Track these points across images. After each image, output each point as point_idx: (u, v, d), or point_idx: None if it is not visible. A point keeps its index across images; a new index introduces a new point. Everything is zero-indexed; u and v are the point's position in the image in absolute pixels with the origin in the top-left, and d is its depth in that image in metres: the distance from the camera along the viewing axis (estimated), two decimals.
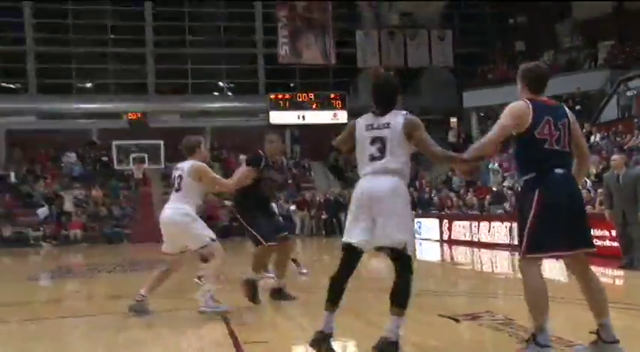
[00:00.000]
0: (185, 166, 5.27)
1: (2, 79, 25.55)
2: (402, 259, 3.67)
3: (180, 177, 5.32)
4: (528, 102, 3.48)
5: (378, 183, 3.65)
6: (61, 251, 17.66)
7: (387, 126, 3.71)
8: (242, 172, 5.75)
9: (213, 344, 4.49)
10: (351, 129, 3.81)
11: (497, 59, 24.74)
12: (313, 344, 3.68)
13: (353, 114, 24.29)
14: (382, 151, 3.66)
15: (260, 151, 5.72)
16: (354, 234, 3.66)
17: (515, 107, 3.53)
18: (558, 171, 3.35)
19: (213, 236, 5.34)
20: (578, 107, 18.47)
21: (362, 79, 26.25)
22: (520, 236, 3.41)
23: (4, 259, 15.94)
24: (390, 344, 3.59)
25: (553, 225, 3.34)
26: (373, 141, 3.73)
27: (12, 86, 25.90)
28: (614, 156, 8.70)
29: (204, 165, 5.54)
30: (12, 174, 22.54)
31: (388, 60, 25.41)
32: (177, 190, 5.28)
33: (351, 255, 3.71)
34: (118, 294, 7.29)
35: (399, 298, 3.67)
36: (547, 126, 3.45)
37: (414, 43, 25.62)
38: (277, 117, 25.21)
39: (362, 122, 3.80)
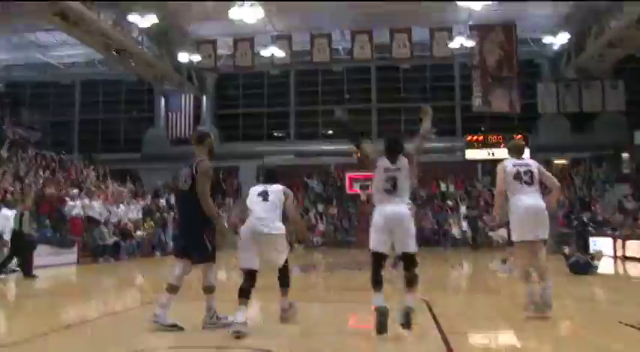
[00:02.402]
0: None
1: (274, 130, 33.74)
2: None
3: None
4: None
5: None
6: (307, 252, 20.47)
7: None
8: None
9: None
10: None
11: None
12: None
13: (534, 151, 28.92)
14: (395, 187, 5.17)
15: None
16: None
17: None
18: None
19: None
20: None
21: (541, 122, 29.65)
22: None
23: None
24: (411, 310, 4.90)
25: None
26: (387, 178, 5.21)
27: (280, 135, 33.74)
28: None
29: None
30: None
31: (565, 106, 28.51)
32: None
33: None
34: (347, 286, 8.73)
35: (415, 282, 5.09)
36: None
37: (589, 91, 28.04)
38: (471, 154, 29.07)
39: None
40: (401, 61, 29.77)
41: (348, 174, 28.25)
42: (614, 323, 5.81)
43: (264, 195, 5.64)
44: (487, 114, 29.72)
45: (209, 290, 5.59)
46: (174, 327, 5.41)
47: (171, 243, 20.64)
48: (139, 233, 19.80)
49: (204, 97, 32.87)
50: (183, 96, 31.58)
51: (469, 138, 29.32)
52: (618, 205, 22.41)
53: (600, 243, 17.61)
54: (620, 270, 14.15)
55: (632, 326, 5.48)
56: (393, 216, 5.02)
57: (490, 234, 21.03)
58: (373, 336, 5.09)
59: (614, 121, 28.46)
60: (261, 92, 33.80)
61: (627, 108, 28.11)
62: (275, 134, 33.74)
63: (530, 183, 5.96)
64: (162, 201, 25.51)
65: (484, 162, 28.98)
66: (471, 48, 28.13)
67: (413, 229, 5.10)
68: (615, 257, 17.07)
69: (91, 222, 18.00)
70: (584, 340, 5.08)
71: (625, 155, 28.09)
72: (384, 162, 5.22)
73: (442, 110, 31.79)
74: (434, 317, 6.10)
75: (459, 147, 29.65)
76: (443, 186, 29.91)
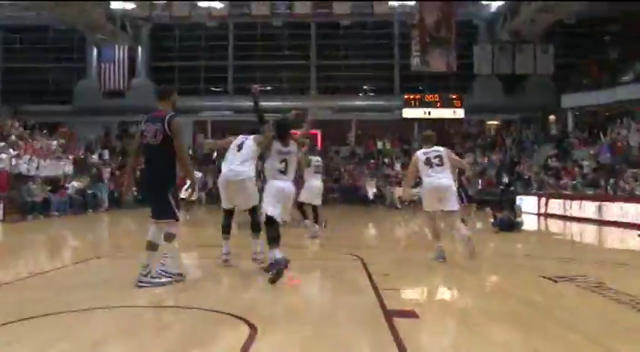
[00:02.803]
0: None
1: (211, 84, 32.87)
2: None
3: None
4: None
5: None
6: None
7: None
8: None
9: None
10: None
11: (591, 68, 26.86)
12: None
13: (469, 111, 29.98)
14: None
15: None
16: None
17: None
18: None
19: None
20: None
21: (476, 83, 30.25)
22: None
23: None
24: (278, 263, 5.74)
25: None
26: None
27: (217, 89, 32.93)
28: None
29: None
30: (215, 153, 30.43)
31: (499, 68, 29.24)
32: None
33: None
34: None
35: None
36: None
37: (521, 54, 28.78)
38: (408, 113, 29.76)
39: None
40: (341, 17, 29.47)
41: None
42: (535, 277, 6.21)
43: (240, 146, 6.56)
44: (425, 74, 30.20)
45: (152, 247, 5.56)
46: (179, 276, 5.70)
47: (106, 200, 20.23)
48: (74, 184, 18.98)
49: (140, 48, 31.47)
50: (116, 47, 30.11)
51: (407, 97, 30.02)
52: (544, 165, 23.28)
53: (526, 202, 18.51)
54: (543, 227, 14.95)
55: (550, 279, 5.94)
56: (283, 189, 6.18)
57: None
58: (306, 290, 5.53)
59: (543, 85, 29.47)
60: (199, 45, 32.84)
61: (555, 73, 29.11)
62: (213, 89, 33.00)
63: (440, 165, 7.26)
64: (95, 156, 24.65)
65: (420, 120, 29.91)
66: (411, 7, 28.28)
67: (292, 201, 6.53)
68: (539, 214, 17.94)
69: (18, 177, 17.17)
70: (507, 293, 5.40)
71: (552, 117, 29.31)
72: (277, 146, 6.23)
73: (381, 68, 32.32)
74: (368, 275, 6.24)
75: (396, 106, 30.27)
76: (380, 144, 30.32)
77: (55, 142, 22.08)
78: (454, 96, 29.78)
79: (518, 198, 19.22)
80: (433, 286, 6.09)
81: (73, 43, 31.99)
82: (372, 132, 30.90)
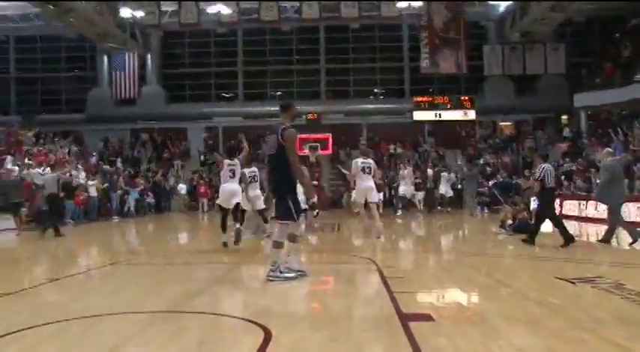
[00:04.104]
0: None
1: (221, 90, 32.90)
2: None
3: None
4: None
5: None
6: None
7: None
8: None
9: None
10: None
11: (603, 66, 26.51)
12: None
13: (480, 112, 29.72)
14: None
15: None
16: None
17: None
18: None
19: None
20: None
21: (487, 84, 30.00)
22: None
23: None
24: (241, 231, 9.10)
25: None
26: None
27: (228, 95, 32.93)
28: None
29: None
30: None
31: (510, 68, 29.24)
32: None
33: None
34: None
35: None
36: None
37: (532, 54, 28.85)
38: (419, 115, 29.28)
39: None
40: (349, 20, 29.45)
41: (297, 136, 27.77)
42: (552, 278, 6.17)
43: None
44: (435, 76, 30.15)
45: (278, 245, 6.07)
46: (300, 273, 6.18)
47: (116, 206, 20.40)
48: (90, 183, 19.03)
49: (149, 56, 31.69)
50: (127, 55, 30.37)
51: (417, 99, 29.67)
52: (558, 166, 22.75)
53: None
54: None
55: (567, 281, 5.89)
56: (233, 191, 9.52)
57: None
58: (321, 294, 5.53)
59: (556, 84, 29.20)
60: (209, 51, 32.93)
61: (567, 72, 28.91)
62: (223, 94, 33.13)
63: (368, 173, 10.78)
64: (107, 166, 24.79)
65: (430, 123, 29.95)
66: (419, 8, 28.17)
67: (239, 198, 9.77)
68: None
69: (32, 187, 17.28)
70: (524, 295, 5.34)
71: (564, 118, 29.10)
72: (227, 161, 9.55)
73: (391, 71, 32.34)
74: (383, 278, 6.23)
75: (407, 108, 29.97)
76: (392, 148, 30.15)
77: (67, 151, 22.23)
78: (465, 98, 29.42)
79: (532, 199, 18.98)
80: (449, 289, 6.01)
81: (85, 51, 32.21)
82: (384, 135, 30.55)
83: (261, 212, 10.56)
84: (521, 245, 9.70)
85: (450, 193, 22.68)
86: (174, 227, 18.10)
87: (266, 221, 10.68)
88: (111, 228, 16.48)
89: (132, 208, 22.05)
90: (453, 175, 24.46)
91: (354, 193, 11.96)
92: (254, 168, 10.33)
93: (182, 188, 25.32)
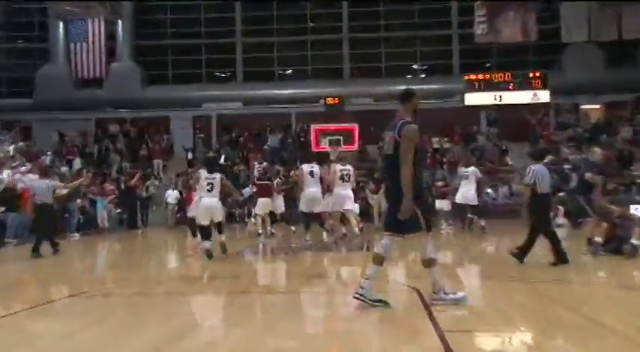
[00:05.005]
0: None
1: (214, 69, 32.91)
2: None
3: None
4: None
5: None
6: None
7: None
8: None
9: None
10: None
11: None
12: None
13: (557, 93, 29.23)
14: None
15: None
16: None
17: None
18: None
19: None
20: None
21: (566, 55, 29.79)
22: None
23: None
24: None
25: None
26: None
27: (223, 75, 33.01)
28: None
29: None
30: (222, 156, 28.63)
31: (598, 33, 28.61)
32: None
33: None
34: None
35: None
36: None
37: (630, 13, 28.04)
38: (472, 98, 29.27)
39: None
40: None
41: (313, 127, 27.95)
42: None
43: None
44: (494, 46, 30.33)
45: (428, 263, 6.32)
46: (380, 303, 6.31)
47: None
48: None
49: (120, 23, 31.87)
50: (90, 22, 30.49)
51: (469, 77, 29.71)
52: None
53: None
54: None
55: None
56: (209, 205, 11.67)
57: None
58: (360, 331, 5.61)
59: None
60: (198, 18, 33.09)
61: None
62: (216, 74, 33.27)
63: (347, 181, 13.22)
64: (64, 167, 24.77)
65: (487, 108, 29.81)
66: None
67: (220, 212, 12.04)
68: None
69: None
70: (632, 340, 5.15)
71: None
72: (204, 173, 11.79)
73: (434, 41, 32.54)
74: (429, 312, 6.13)
75: (456, 90, 30.08)
76: (435, 143, 29.87)
77: (11, 147, 22.33)
78: (535, 75, 29.24)
79: (632, 207, 18.71)
80: (514, 328, 5.80)
81: (33, 16, 32.43)
82: (429, 124, 30.48)
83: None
84: (618, 270, 9.40)
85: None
86: (153, 246, 18.02)
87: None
88: (69, 247, 16.44)
89: (106, 222, 22.19)
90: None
91: (330, 200, 13.81)
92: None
93: (170, 195, 25.04)
